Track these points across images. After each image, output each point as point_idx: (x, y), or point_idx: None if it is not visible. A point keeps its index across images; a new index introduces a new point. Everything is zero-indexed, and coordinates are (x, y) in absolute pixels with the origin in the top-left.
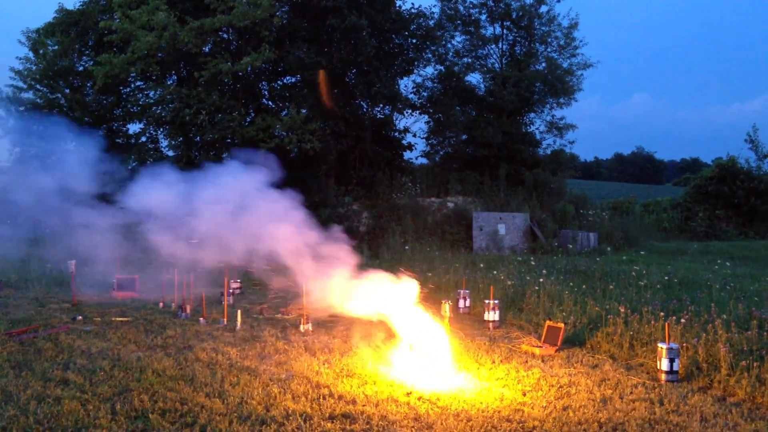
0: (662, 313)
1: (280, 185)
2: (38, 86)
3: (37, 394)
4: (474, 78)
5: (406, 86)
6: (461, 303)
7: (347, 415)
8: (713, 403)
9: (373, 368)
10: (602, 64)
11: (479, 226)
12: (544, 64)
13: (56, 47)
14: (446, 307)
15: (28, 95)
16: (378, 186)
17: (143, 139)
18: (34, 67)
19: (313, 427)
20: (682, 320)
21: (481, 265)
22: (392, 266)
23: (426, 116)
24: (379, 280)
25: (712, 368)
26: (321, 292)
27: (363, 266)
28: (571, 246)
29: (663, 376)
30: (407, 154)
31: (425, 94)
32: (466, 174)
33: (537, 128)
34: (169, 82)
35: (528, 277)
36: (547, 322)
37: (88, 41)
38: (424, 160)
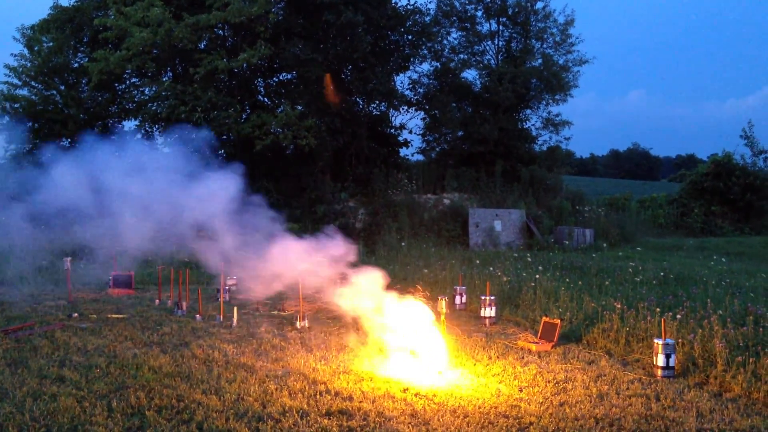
0: (658, 309)
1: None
2: (33, 83)
3: (33, 391)
4: (470, 74)
5: (402, 83)
6: (457, 299)
7: (344, 412)
8: (709, 398)
9: (369, 365)
10: (597, 61)
11: (475, 223)
12: (540, 61)
13: (51, 44)
14: (442, 303)
15: (23, 92)
16: (374, 183)
17: (138, 136)
18: (29, 64)
19: (310, 424)
20: (678, 316)
21: (477, 262)
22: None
23: (422, 113)
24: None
25: (708, 364)
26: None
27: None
28: (567, 242)
29: (659, 372)
30: (403, 151)
31: (421, 90)
32: (462, 170)
33: (533, 125)
34: (164, 79)
35: (524, 274)
36: (544, 318)
37: (83, 38)
38: (420, 157)
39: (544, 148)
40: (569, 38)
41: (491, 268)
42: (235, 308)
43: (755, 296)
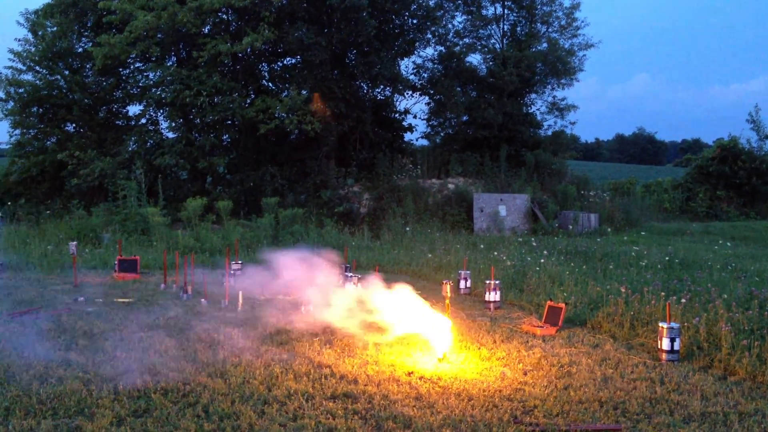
0: (663, 293)
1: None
2: (37, 68)
3: (39, 374)
4: (475, 59)
5: (406, 67)
6: (462, 284)
7: (349, 395)
8: (714, 381)
9: (374, 348)
10: (602, 45)
11: (480, 208)
12: (545, 45)
13: (55, 28)
14: (447, 287)
15: (28, 77)
16: (379, 167)
17: (143, 120)
18: (33, 49)
19: (315, 407)
20: (683, 300)
21: (482, 246)
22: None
23: (426, 97)
24: None
25: (712, 347)
26: None
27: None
28: (571, 227)
29: (664, 356)
30: (408, 136)
31: (426, 75)
32: (466, 155)
33: (538, 109)
34: (168, 64)
35: (529, 258)
36: (548, 303)
37: (87, 22)
38: (425, 142)
39: (549, 132)
40: (575, 22)
41: (496, 253)
42: (240, 292)
43: (760, 280)
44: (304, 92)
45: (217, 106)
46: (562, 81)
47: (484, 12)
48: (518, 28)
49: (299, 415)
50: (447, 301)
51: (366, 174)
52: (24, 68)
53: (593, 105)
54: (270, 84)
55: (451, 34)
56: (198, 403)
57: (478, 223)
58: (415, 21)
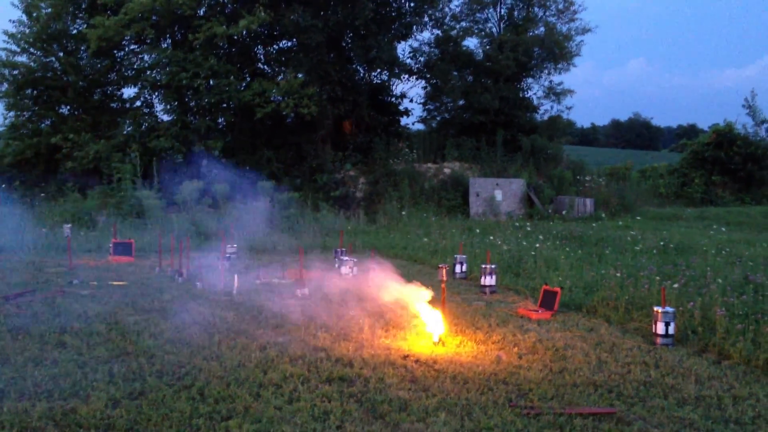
0: (658, 278)
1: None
2: (32, 50)
3: (34, 357)
4: (471, 43)
5: (403, 51)
6: (458, 268)
7: (344, 378)
8: (708, 365)
9: (369, 332)
10: (598, 29)
11: (476, 192)
12: (542, 29)
13: (50, 10)
14: (443, 272)
15: (22, 59)
16: (375, 152)
17: (138, 103)
18: (27, 30)
19: (310, 390)
20: (675, 285)
21: (478, 231)
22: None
23: (423, 82)
24: None
25: (707, 332)
26: None
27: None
28: (567, 212)
29: (659, 340)
30: (404, 120)
31: (422, 59)
32: (463, 140)
33: (534, 94)
34: (163, 46)
35: (524, 243)
36: (544, 287)
37: (81, 3)
38: (421, 126)
39: (546, 117)
40: (572, 6)
41: (491, 237)
42: (236, 275)
43: (755, 265)
44: (300, 75)
45: (213, 88)
46: (559, 66)
47: None
48: (515, 12)
49: (295, 398)
50: (443, 285)
51: (362, 158)
52: (18, 50)
53: (589, 90)
54: (266, 67)
55: (447, 18)
56: (193, 385)
57: (473, 207)
58: (412, 4)
